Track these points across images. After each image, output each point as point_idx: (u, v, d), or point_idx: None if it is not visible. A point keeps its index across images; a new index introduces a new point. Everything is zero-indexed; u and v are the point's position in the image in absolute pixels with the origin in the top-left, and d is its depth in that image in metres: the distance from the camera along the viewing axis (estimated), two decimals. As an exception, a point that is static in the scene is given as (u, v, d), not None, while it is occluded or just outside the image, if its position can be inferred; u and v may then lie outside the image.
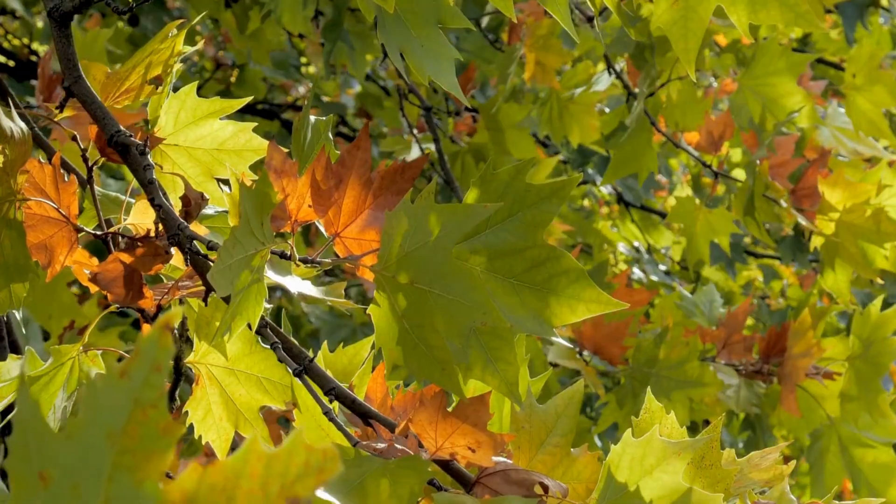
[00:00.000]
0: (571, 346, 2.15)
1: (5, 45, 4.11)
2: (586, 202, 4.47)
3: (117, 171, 3.12)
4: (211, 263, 0.96)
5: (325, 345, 1.09)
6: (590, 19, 2.35)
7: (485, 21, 3.03)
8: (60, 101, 1.11)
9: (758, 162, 2.13)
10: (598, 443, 2.86)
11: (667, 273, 4.16)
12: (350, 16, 2.99)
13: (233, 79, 3.80)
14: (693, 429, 2.62)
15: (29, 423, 0.50)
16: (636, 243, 4.29)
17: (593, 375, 2.09)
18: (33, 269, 1.02)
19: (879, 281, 2.07)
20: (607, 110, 2.71)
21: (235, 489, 0.49)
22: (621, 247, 4.23)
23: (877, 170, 2.07)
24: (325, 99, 3.98)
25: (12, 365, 1.04)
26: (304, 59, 3.88)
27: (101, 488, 0.49)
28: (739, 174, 3.39)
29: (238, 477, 0.49)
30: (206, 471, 0.50)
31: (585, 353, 2.16)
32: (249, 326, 0.89)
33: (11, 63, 3.88)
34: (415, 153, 2.70)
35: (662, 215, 4.11)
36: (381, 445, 0.87)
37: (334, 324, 2.95)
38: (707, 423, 2.42)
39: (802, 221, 2.03)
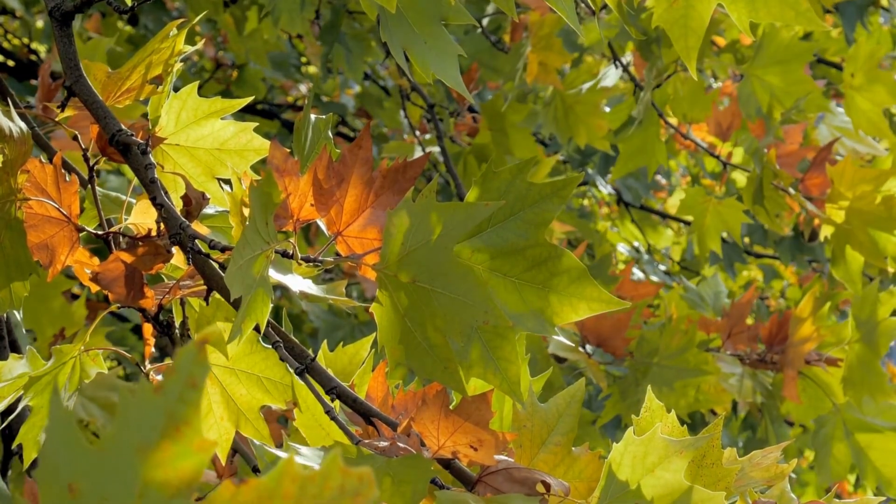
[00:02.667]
0: (574, 338, 2.14)
1: (5, 45, 4.10)
2: (586, 202, 4.47)
3: (117, 168, 3.11)
4: (212, 262, 0.96)
5: (324, 344, 1.09)
6: (599, 10, 2.34)
7: (485, 22, 3.03)
8: (62, 100, 1.11)
9: (765, 150, 2.13)
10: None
11: (667, 273, 4.15)
12: (347, 18, 2.99)
13: (233, 79, 3.80)
14: (697, 419, 2.62)
15: (60, 434, 0.49)
16: (636, 244, 4.29)
17: (596, 368, 2.09)
18: (34, 268, 1.02)
19: (890, 269, 2.07)
20: (607, 109, 2.70)
21: None
22: (621, 247, 4.23)
23: (885, 158, 2.07)
24: (325, 99, 3.98)
25: (14, 364, 1.04)
26: (303, 59, 3.88)
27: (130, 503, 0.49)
28: (739, 176, 3.39)
29: (271, 497, 0.49)
30: (238, 490, 0.49)
31: (588, 346, 2.16)
32: (257, 327, 0.89)
33: (11, 63, 3.88)
34: (418, 154, 2.70)
35: (662, 216, 4.11)
36: (383, 444, 0.87)
37: (333, 323, 2.95)
38: (713, 413, 2.42)
39: (811, 209, 2.03)
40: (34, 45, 4.04)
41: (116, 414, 0.49)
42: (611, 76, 2.53)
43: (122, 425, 0.49)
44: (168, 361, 1.13)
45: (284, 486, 0.49)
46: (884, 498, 1.02)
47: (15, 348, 1.49)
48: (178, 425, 0.48)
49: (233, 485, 0.49)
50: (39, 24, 3.87)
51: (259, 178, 0.89)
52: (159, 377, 1.17)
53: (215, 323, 1.06)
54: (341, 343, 1.12)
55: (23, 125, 1.00)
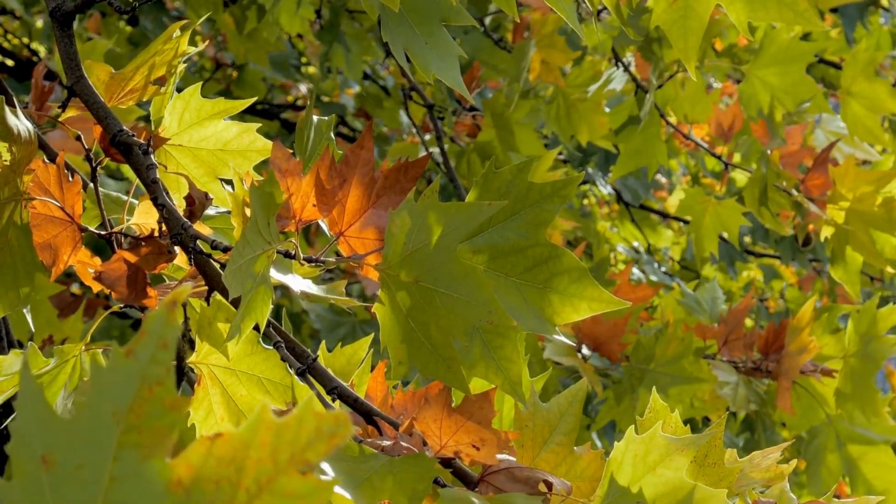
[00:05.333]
0: (571, 342, 2.14)
1: (5, 44, 4.10)
2: (586, 202, 4.47)
3: (116, 171, 3.11)
4: (213, 262, 0.97)
5: (323, 344, 1.09)
6: (598, 12, 2.35)
7: (487, 21, 3.03)
8: (63, 101, 1.11)
9: (769, 151, 2.13)
10: (598, 442, 2.86)
11: (667, 273, 4.16)
12: (347, 18, 2.99)
13: (233, 79, 3.80)
14: (692, 426, 2.62)
15: (31, 407, 0.49)
16: (636, 243, 4.29)
17: (591, 373, 2.09)
18: (40, 267, 1.02)
19: (890, 270, 2.07)
20: (607, 109, 2.71)
21: (245, 460, 0.49)
22: (620, 247, 4.23)
23: (885, 159, 2.07)
24: (325, 99, 3.98)
25: (13, 360, 1.04)
26: (304, 59, 3.88)
27: (105, 468, 0.49)
28: (740, 175, 3.39)
29: (247, 447, 0.49)
30: (213, 443, 0.49)
31: (584, 350, 2.16)
32: (257, 327, 0.89)
33: (11, 63, 3.88)
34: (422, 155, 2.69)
35: (662, 215, 4.12)
36: (386, 443, 0.87)
37: (334, 321, 2.95)
38: (707, 420, 2.42)
39: (813, 209, 2.03)
40: (34, 45, 4.04)
41: (90, 382, 0.49)
42: (618, 78, 2.53)
43: (95, 392, 0.49)
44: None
45: (260, 435, 0.49)
46: (880, 498, 1.02)
47: (14, 347, 1.49)
48: (150, 386, 0.49)
49: (208, 439, 0.49)
50: (39, 24, 3.87)
51: (262, 178, 0.90)
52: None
53: (215, 323, 1.06)
54: (340, 342, 1.12)
55: (29, 125, 1.00)
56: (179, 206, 1.02)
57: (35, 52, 4.01)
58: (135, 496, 0.49)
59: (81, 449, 0.49)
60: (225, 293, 0.97)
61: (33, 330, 1.11)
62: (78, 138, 1.08)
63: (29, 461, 0.49)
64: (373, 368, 0.99)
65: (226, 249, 0.95)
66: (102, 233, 1.05)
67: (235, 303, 0.88)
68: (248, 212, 0.92)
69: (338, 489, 0.79)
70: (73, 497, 0.49)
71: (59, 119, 1.12)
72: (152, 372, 0.49)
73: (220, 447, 0.49)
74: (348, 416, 0.48)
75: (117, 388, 0.49)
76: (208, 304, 1.02)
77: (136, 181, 1.06)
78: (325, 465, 0.81)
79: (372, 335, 1.10)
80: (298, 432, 0.49)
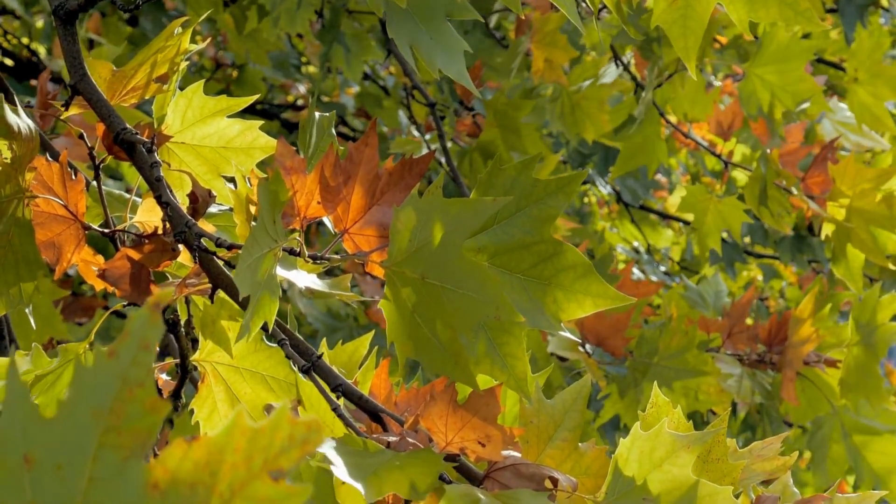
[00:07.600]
0: (575, 338, 2.14)
1: (5, 45, 4.10)
2: (586, 200, 4.47)
3: (116, 171, 3.11)
4: (217, 260, 0.97)
5: (324, 342, 1.09)
6: (599, 10, 2.35)
7: (493, 20, 3.03)
8: (66, 99, 1.11)
9: (768, 150, 2.13)
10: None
11: (666, 273, 4.16)
12: (347, 18, 2.99)
13: (233, 78, 3.80)
14: (695, 419, 2.62)
15: (16, 406, 0.50)
16: (635, 243, 4.29)
17: (595, 367, 2.09)
18: (43, 265, 1.02)
19: (891, 266, 2.07)
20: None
21: (219, 464, 0.50)
22: (620, 248, 4.23)
23: (886, 155, 2.07)
24: (325, 99, 3.98)
25: (18, 361, 1.04)
26: (304, 59, 3.88)
27: (85, 468, 0.50)
28: (740, 174, 3.40)
29: (222, 452, 0.50)
30: (189, 447, 0.50)
31: (588, 345, 2.16)
32: (264, 325, 0.89)
33: (10, 62, 3.88)
34: (424, 152, 2.69)
35: (662, 216, 4.12)
36: (392, 439, 0.87)
37: (332, 325, 2.95)
38: (712, 413, 2.42)
39: (814, 207, 2.04)
40: (34, 45, 4.04)
41: (72, 381, 0.50)
42: (610, 74, 2.53)
43: (77, 391, 0.50)
44: (169, 360, 1.14)
45: (235, 440, 0.50)
46: (883, 493, 1.02)
47: (15, 345, 1.49)
48: (131, 387, 0.49)
49: (185, 442, 0.50)
50: (39, 23, 3.87)
51: (265, 175, 0.90)
52: (163, 375, 1.17)
53: (218, 321, 1.06)
54: (340, 343, 1.12)
55: (30, 122, 1.00)
56: (183, 203, 1.02)
57: (35, 52, 4.01)
58: (113, 497, 0.50)
59: (62, 448, 0.50)
60: (229, 291, 0.97)
61: (34, 328, 1.11)
62: (81, 136, 1.07)
63: (12, 460, 0.50)
64: (376, 366, 0.99)
65: (230, 247, 0.95)
66: (106, 231, 1.05)
67: (244, 302, 0.88)
68: (252, 209, 0.92)
69: (347, 480, 0.79)
70: (52, 497, 0.50)
71: (62, 118, 1.11)
72: (133, 374, 0.49)
73: (196, 451, 0.50)
74: (321, 424, 0.49)
75: (98, 388, 0.49)
76: (212, 302, 1.02)
77: (138, 180, 1.06)
78: (335, 457, 0.81)
79: (373, 332, 1.10)
80: (272, 438, 0.50)
